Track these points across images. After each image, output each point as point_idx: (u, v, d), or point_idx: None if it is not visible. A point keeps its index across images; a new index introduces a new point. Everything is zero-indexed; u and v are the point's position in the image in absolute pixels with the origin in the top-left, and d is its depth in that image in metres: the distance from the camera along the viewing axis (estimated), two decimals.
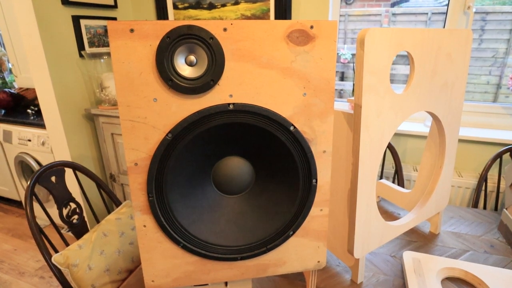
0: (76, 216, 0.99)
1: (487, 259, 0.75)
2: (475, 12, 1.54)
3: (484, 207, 1.27)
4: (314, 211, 0.55)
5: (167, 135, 0.46)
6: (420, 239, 0.84)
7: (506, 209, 0.79)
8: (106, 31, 1.83)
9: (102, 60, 1.73)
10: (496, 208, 1.22)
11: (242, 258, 0.54)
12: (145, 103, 0.45)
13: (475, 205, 1.14)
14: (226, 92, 0.47)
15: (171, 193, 0.49)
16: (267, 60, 0.47)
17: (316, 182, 0.53)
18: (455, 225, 0.91)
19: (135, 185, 0.48)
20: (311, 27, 0.46)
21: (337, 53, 1.76)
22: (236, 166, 0.55)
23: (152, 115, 0.46)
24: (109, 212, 1.08)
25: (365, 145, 0.57)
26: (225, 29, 0.44)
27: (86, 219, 1.03)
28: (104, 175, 1.95)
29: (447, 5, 1.47)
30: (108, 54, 1.77)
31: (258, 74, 0.47)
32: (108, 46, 1.85)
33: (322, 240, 0.57)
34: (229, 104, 0.47)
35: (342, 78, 1.97)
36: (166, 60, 0.43)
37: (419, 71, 0.62)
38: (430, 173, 0.82)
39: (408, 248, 0.81)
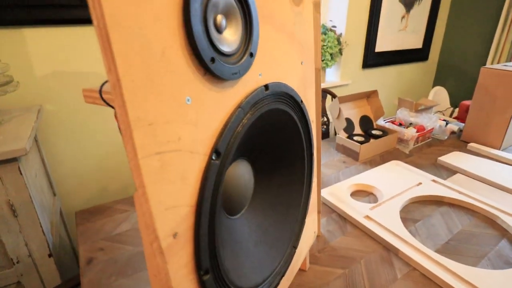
0: None
1: (352, 170, 1.05)
2: None
3: None
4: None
5: (211, 157, 0.28)
6: None
7: (339, 134, 1.15)
8: None
9: None
10: None
11: (282, 277, 0.46)
12: (175, 111, 0.24)
13: None
14: (256, 70, 0.34)
15: (224, 253, 0.32)
16: (280, 21, 0.38)
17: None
18: None
19: (180, 272, 0.26)
20: None
21: None
22: (242, 173, 0.43)
23: (187, 130, 0.25)
24: None
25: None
26: None
27: None
28: None
29: None
30: None
31: (276, 41, 0.37)
32: None
33: (316, 210, 0.59)
34: (265, 87, 0.34)
35: None
36: (203, 22, 0.24)
37: None
38: None
39: None
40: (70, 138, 1.19)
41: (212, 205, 0.28)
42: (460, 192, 0.86)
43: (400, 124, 1.26)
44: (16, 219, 0.62)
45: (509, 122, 1.04)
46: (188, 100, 0.25)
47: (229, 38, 0.29)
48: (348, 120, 1.18)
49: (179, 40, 0.23)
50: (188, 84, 0.24)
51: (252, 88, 0.33)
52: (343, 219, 0.80)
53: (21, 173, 0.59)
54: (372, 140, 1.11)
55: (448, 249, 0.68)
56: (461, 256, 0.65)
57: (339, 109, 1.15)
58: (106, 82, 0.24)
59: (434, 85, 2.33)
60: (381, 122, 1.28)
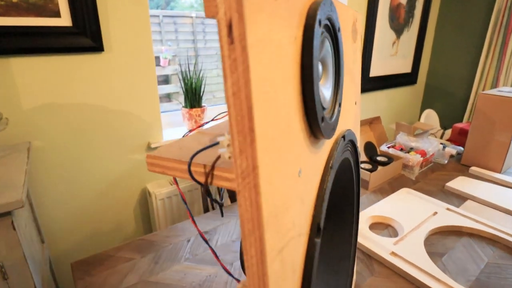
0: None
1: (364, 200, 1.01)
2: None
3: None
4: None
5: (313, 236, 0.22)
6: None
7: None
8: None
9: None
10: None
11: None
12: (292, 190, 0.19)
13: None
14: None
15: None
16: (347, 62, 0.34)
17: None
18: None
19: None
20: (356, 20, 0.39)
21: (158, 56, 1.41)
22: None
23: (297, 210, 0.20)
24: None
25: None
26: None
27: None
28: None
29: None
30: None
31: (345, 84, 0.33)
32: None
33: (356, 256, 0.54)
34: (343, 137, 0.30)
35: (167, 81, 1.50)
36: (316, 76, 0.20)
37: None
38: None
39: None
40: (59, 177, 1.07)
41: None
42: (477, 221, 0.84)
43: (401, 149, 1.26)
44: (6, 282, 0.51)
45: (509, 146, 1.06)
46: (300, 172, 0.19)
47: (324, 90, 0.24)
48: None
49: (295, 100, 0.18)
50: (300, 153, 0.19)
51: (332, 140, 0.28)
52: (367, 256, 0.76)
53: (14, 229, 0.50)
54: (379, 168, 1.09)
55: (481, 286, 0.64)
56: None
57: None
58: (196, 154, 0.18)
59: (423, 107, 2.40)
60: (383, 147, 1.28)
